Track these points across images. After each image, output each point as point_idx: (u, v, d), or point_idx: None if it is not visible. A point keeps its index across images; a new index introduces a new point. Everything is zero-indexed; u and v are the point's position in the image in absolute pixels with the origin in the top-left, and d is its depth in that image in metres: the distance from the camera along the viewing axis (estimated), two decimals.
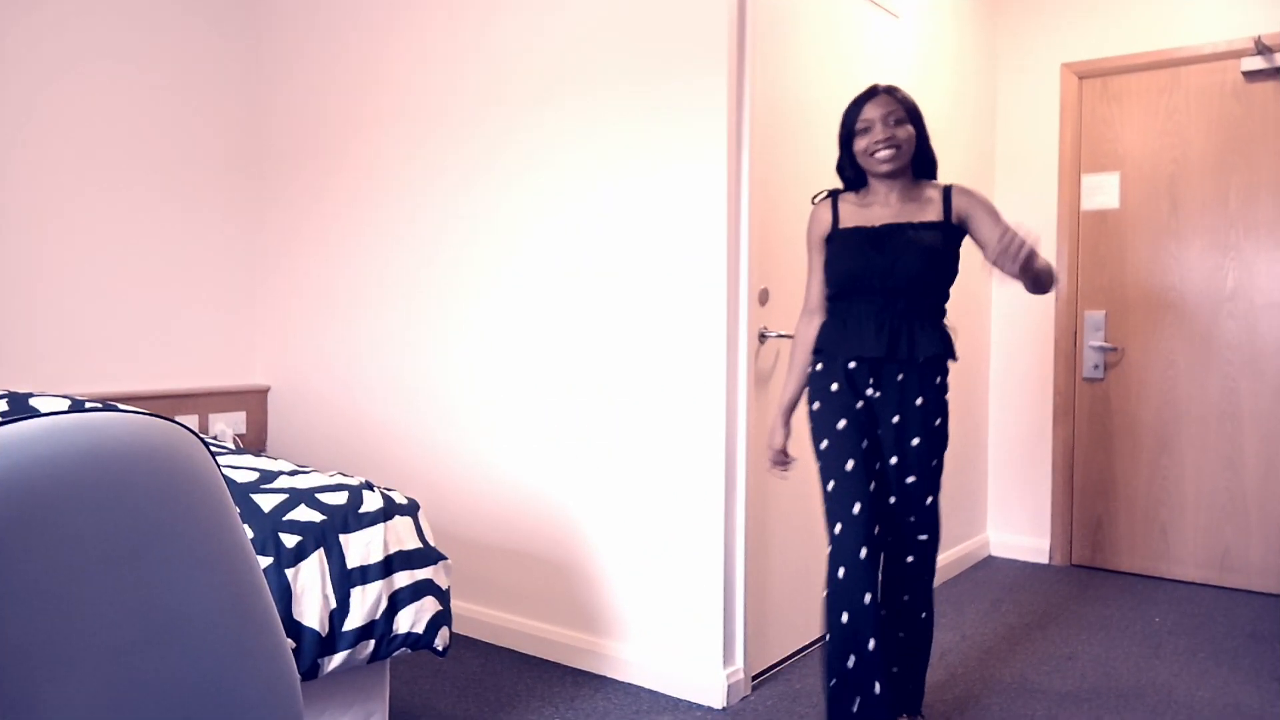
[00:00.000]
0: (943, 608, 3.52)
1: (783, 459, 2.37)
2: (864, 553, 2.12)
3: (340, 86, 3.52)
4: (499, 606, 3.11)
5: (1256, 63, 3.71)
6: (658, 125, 2.71)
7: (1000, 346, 4.33)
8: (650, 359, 2.74)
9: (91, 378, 3.33)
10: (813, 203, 2.38)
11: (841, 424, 2.21)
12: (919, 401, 2.21)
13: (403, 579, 2.12)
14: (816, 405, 2.27)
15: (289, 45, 3.68)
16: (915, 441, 2.22)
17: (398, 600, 2.10)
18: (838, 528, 2.17)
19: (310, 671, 1.95)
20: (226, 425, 3.62)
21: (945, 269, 2.22)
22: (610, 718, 2.53)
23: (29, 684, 0.66)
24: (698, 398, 2.66)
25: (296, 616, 1.92)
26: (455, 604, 3.20)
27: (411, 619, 2.12)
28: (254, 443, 3.76)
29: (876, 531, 2.17)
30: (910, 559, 2.27)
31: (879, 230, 2.22)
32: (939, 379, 2.25)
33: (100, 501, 0.71)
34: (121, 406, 0.89)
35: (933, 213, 2.23)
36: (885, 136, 2.18)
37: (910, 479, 2.24)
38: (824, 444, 2.22)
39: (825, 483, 2.22)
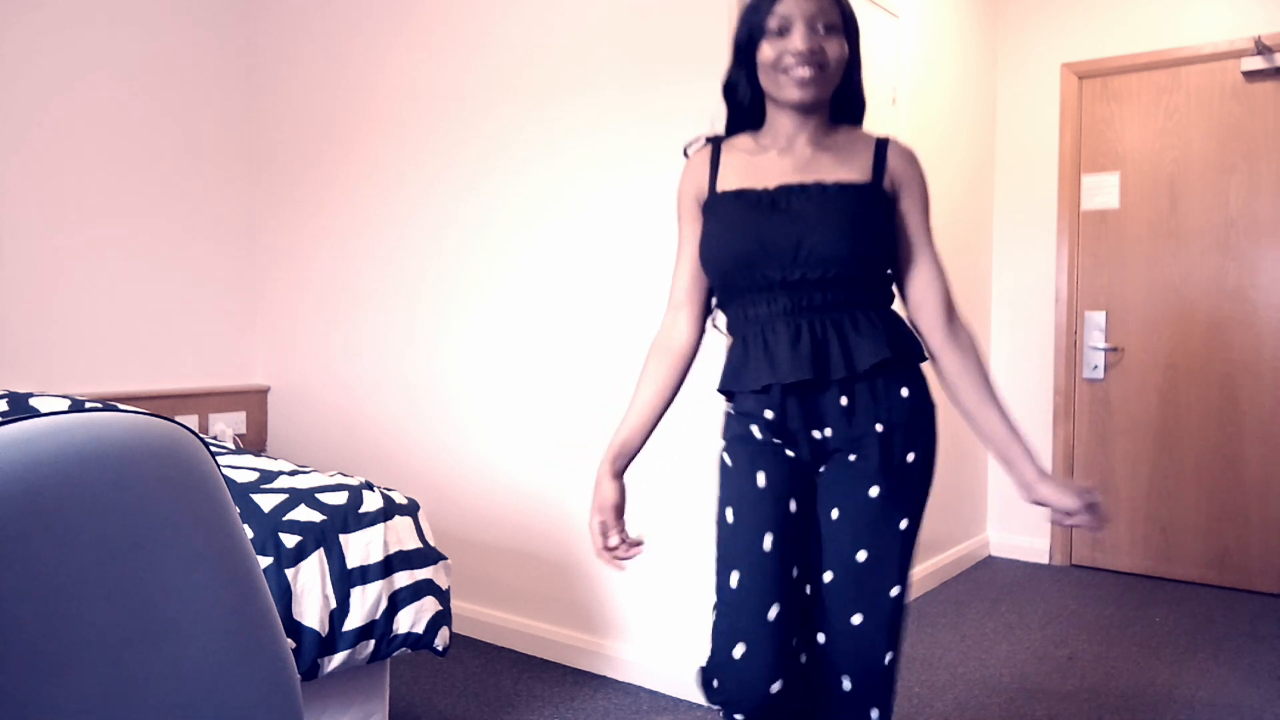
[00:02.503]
0: (943, 607, 3.52)
1: (619, 544, 1.57)
2: (777, 686, 1.45)
3: (340, 86, 3.52)
4: (499, 606, 3.11)
5: (1256, 63, 3.71)
6: (659, 127, 2.71)
7: (1000, 346, 4.33)
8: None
9: (91, 378, 3.33)
10: (685, 154, 1.67)
11: (729, 514, 1.52)
12: (879, 427, 1.49)
13: (403, 579, 2.12)
14: (721, 472, 1.58)
15: (288, 45, 3.68)
16: (873, 492, 1.48)
17: (398, 600, 2.10)
18: (732, 654, 1.47)
19: (310, 671, 1.95)
20: (226, 425, 3.62)
21: (876, 249, 1.52)
22: (610, 718, 2.53)
23: (29, 683, 0.66)
24: (697, 397, 2.66)
25: (296, 616, 1.92)
26: (455, 604, 3.20)
27: (411, 619, 2.12)
28: (254, 443, 3.76)
29: (794, 643, 1.50)
30: (849, 685, 1.49)
31: (774, 195, 1.51)
32: (907, 390, 1.52)
33: (100, 501, 0.71)
34: (121, 406, 0.89)
35: (856, 169, 1.54)
36: (809, 47, 1.46)
37: (861, 554, 1.48)
38: (717, 538, 1.55)
39: (717, 589, 1.52)
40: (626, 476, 1.63)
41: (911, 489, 1.52)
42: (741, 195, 1.54)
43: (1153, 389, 3.97)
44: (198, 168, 3.63)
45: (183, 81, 3.57)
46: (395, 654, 2.16)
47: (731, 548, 1.51)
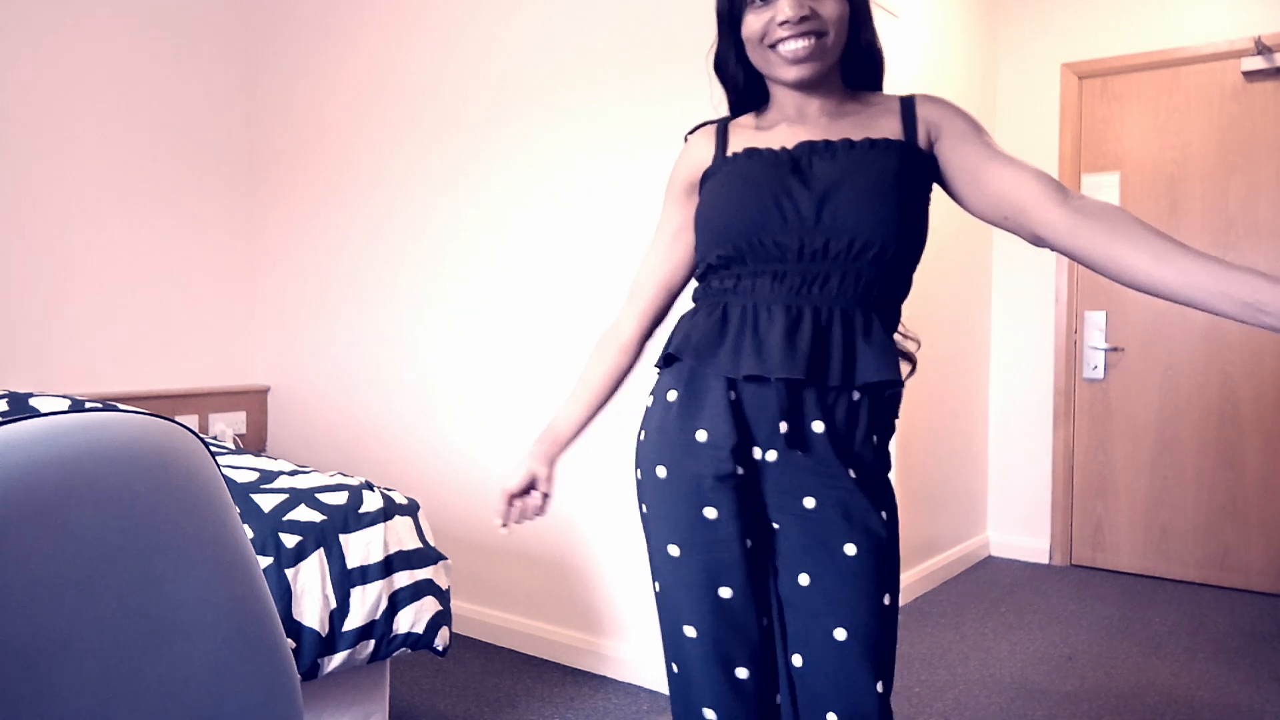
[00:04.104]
0: (943, 608, 3.52)
1: (519, 509, 1.45)
2: None
3: (340, 87, 3.52)
4: (499, 606, 3.11)
5: (1256, 63, 3.71)
6: (660, 126, 2.71)
7: (1000, 346, 4.33)
8: (650, 358, 2.74)
9: (91, 378, 3.33)
10: (685, 139, 1.43)
11: (673, 550, 1.27)
12: (852, 474, 1.23)
13: (403, 579, 2.12)
14: (642, 476, 1.32)
15: (288, 48, 3.68)
16: (850, 550, 1.22)
17: (398, 600, 2.10)
18: None
19: (310, 671, 1.95)
20: (226, 425, 3.62)
21: (913, 224, 1.26)
22: (610, 718, 2.53)
23: (29, 684, 0.66)
24: None
25: (296, 616, 1.92)
26: (455, 604, 3.20)
27: (411, 619, 2.12)
28: (254, 443, 3.76)
29: (777, 700, 1.28)
30: None
31: (794, 153, 1.27)
32: (878, 439, 1.26)
33: (100, 501, 0.71)
34: (121, 406, 0.89)
35: (887, 128, 1.29)
36: (799, 14, 1.21)
37: (840, 632, 1.22)
38: (657, 584, 1.30)
39: (666, 653, 1.31)
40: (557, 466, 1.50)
41: (892, 555, 1.25)
42: (755, 153, 1.29)
43: (1153, 389, 3.97)
44: (198, 168, 3.63)
45: (183, 82, 3.57)
46: (395, 654, 2.16)
47: (678, 595, 1.26)
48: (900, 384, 1.25)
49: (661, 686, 2.70)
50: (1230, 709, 2.62)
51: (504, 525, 1.44)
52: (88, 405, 2.17)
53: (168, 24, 3.52)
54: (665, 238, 1.44)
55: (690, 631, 1.25)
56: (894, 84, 3.41)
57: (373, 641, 2.06)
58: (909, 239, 1.25)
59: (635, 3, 2.75)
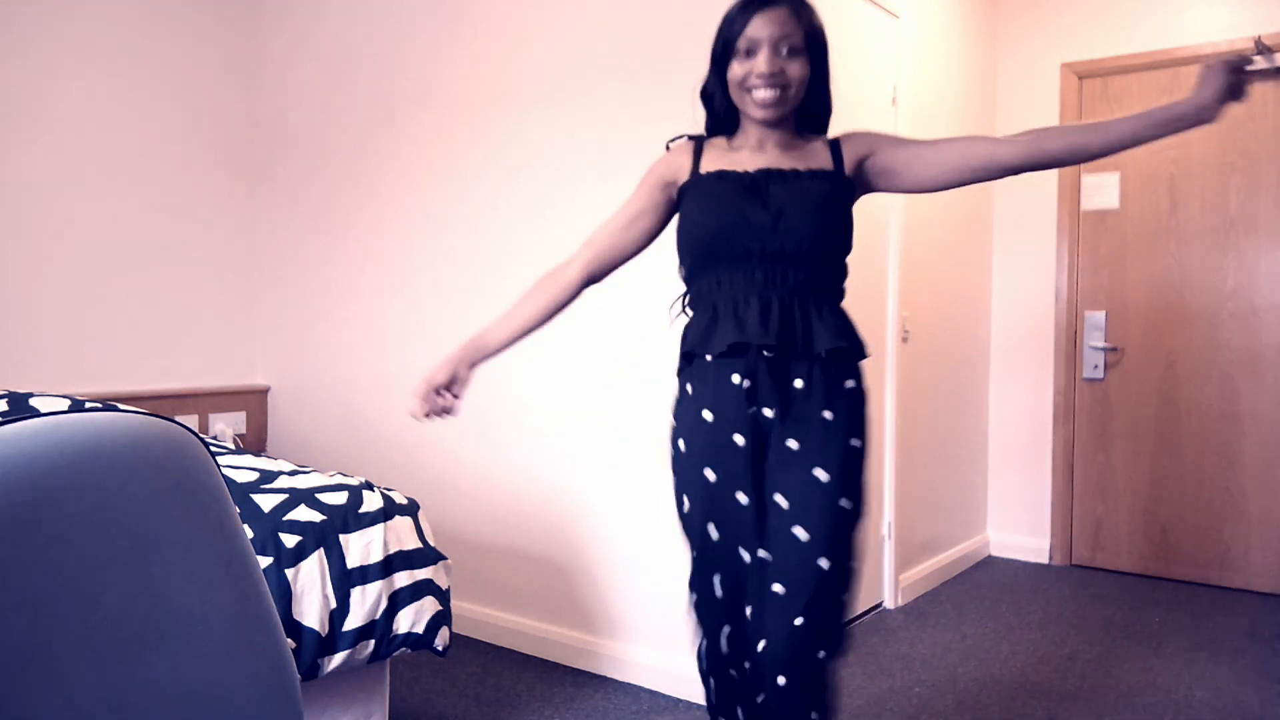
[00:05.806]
0: (943, 607, 3.52)
1: (435, 402, 1.73)
2: (725, 637, 1.67)
3: (340, 87, 3.52)
4: (499, 606, 3.11)
5: (1256, 63, 3.71)
6: (661, 125, 2.71)
7: (1000, 346, 4.33)
8: (653, 359, 2.74)
9: (91, 378, 3.33)
10: (666, 147, 1.81)
11: (708, 476, 1.65)
12: (827, 415, 1.61)
13: (403, 579, 2.12)
14: (681, 445, 1.71)
15: (290, 43, 3.68)
16: (819, 474, 1.60)
17: (398, 600, 2.10)
18: (694, 599, 1.73)
19: (310, 671, 1.95)
20: (226, 425, 3.62)
21: (842, 232, 1.68)
22: (610, 718, 2.53)
23: (28, 684, 0.66)
24: None
25: (296, 616, 1.93)
26: (455, 604, 3.20)
27: (411, 619, 2.12)
28: (254, 443, 3.76)
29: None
30: (772, 657, 1.59)
31: (755, 176, 1.65)
32: (851, 383, 1.66)
33: (100, 501, 0.71)
34: (121, 406, 0.89)
35: (822, 161, 1.71)
36: (771, 70, 1.61)
37: (798, 530, 1.59)
38: (685, 505, 1.71)
39: (692, 549, 1.71)
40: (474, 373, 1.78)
41: (855, 473, 1.64)
42: (724, 175, 1.68)
43: (1153, 389, 3.97)
44: (198, 168, 3.63)
45: (184, 81, 3.57)
46: (395, 654, 2.16)
47: (707, 505, 1.66)
48: (846, 348, 1.64)
49: (661, 687, 2.71)
50: (1230, 709, 2.62)
51: (425, 416, 1.73)
52: (88, 405, 2.17)
53: (169, 23, 3.52)
54: (627, 214, 1.80)
55: (714, 530, 1.65)
56: (894, 85, 3.42)
57: (373, 641, 2.06)
58: (838, 241, 1.69)
59: (638, 3, 2.75)
